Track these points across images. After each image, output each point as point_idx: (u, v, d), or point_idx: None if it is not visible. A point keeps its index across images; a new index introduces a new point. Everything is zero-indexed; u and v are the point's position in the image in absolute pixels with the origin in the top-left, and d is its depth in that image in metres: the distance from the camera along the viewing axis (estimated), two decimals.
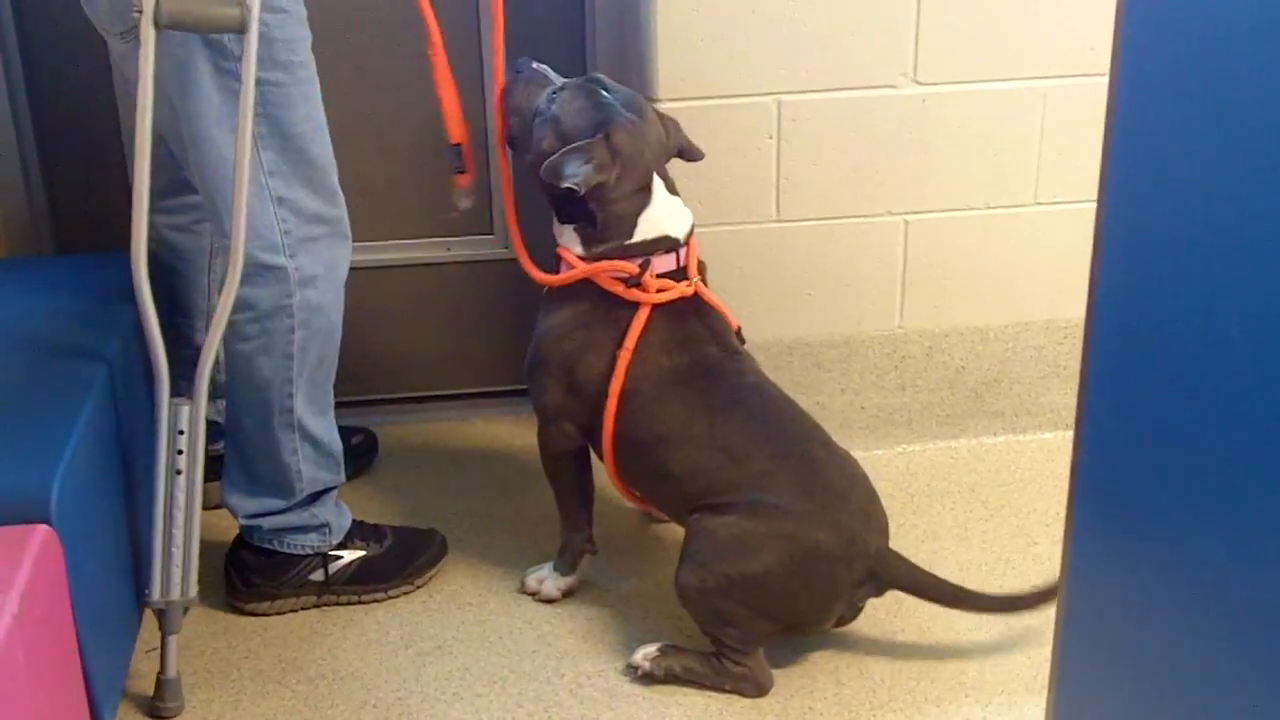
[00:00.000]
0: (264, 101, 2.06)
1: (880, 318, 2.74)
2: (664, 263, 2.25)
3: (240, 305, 2.15)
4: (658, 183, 2.25)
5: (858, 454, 2.27)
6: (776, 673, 2.19)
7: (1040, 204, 2.69)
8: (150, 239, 2.45)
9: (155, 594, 2.10)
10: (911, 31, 2.54)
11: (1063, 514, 2.51)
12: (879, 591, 2.18)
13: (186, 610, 2.14)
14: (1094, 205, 2.65)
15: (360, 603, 2.40)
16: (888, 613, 2.32)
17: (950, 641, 2.27)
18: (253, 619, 2.36)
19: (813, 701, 2.15)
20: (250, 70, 1.98)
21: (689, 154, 2.35)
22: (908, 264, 2.70)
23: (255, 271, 2.13)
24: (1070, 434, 2.73)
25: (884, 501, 2.24)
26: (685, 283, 2.26)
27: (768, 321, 2.70)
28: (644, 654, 2.20)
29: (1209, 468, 1.09)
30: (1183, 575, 1.13)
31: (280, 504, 2.32)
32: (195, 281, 2.49)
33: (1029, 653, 2.23)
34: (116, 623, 2.05)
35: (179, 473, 2.06)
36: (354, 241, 2.27)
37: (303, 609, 2.38)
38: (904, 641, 2.27)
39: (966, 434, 2.82)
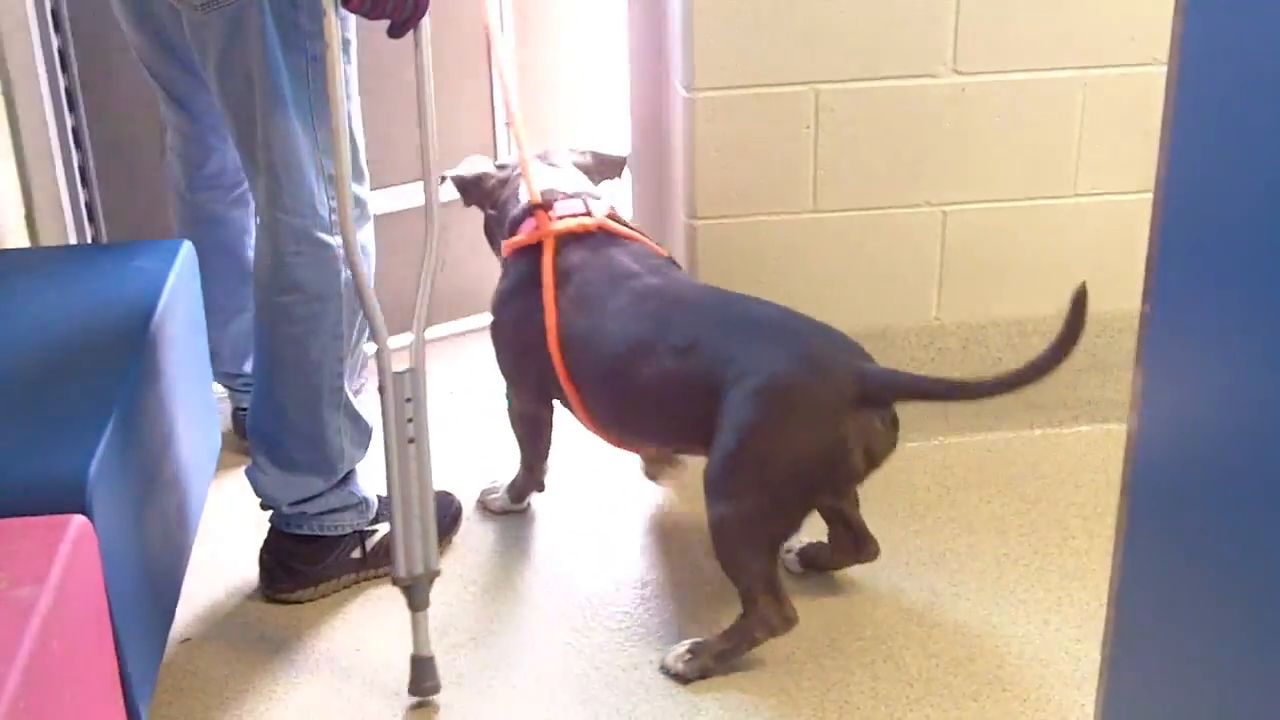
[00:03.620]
0: (321, 79, 2.05)
1: (917, 309, 2.71)
2: (570, 206, 2.37)
3: (289, 287, 2.16)
4: (527, 172, 2.40)
5: None
6: (810, 665, 2.18)
7: (1080, 195, 2.66)
8: (195, 218, 2.50)
9: (401, 570, 2.07)
10: (951, 20, 2.51)
11: (1101, 508, 2.52)
12: (885, 415, 2.13)
13: (432, 581, 2.11)
14: (1134, 197, 2.65)
15: None
16: (925, 606, 2.30)
17: (988, 636, 2.24)
18: (285, 612, 2.35)
19: (849, 695, 2.13)
20: (335, 33, 1.97)
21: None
22: (945, 255, 2.68)
23: (309, 249, 2.15)
24: (1108, 427, 2.74)
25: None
26: (588, 216, 2.35)
27: (803, 312, 2.67)
28: (675, 656, 2.19)
29: (1271, 461, 1.06)
30: (1242, 573, 1.11)
31: (321, 485, 2.31)
32: (242, 254, 2.52)
33: (1067, 647, 2.21)
34: (152, 613, 2.04)
35: (412, 441, 2.03)
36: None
37: (344, 589, 2.38)
38: (941, 636, 2.25)
39: (1004, 427, 2.79)
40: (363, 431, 2.35)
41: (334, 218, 2.16)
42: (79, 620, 1.66)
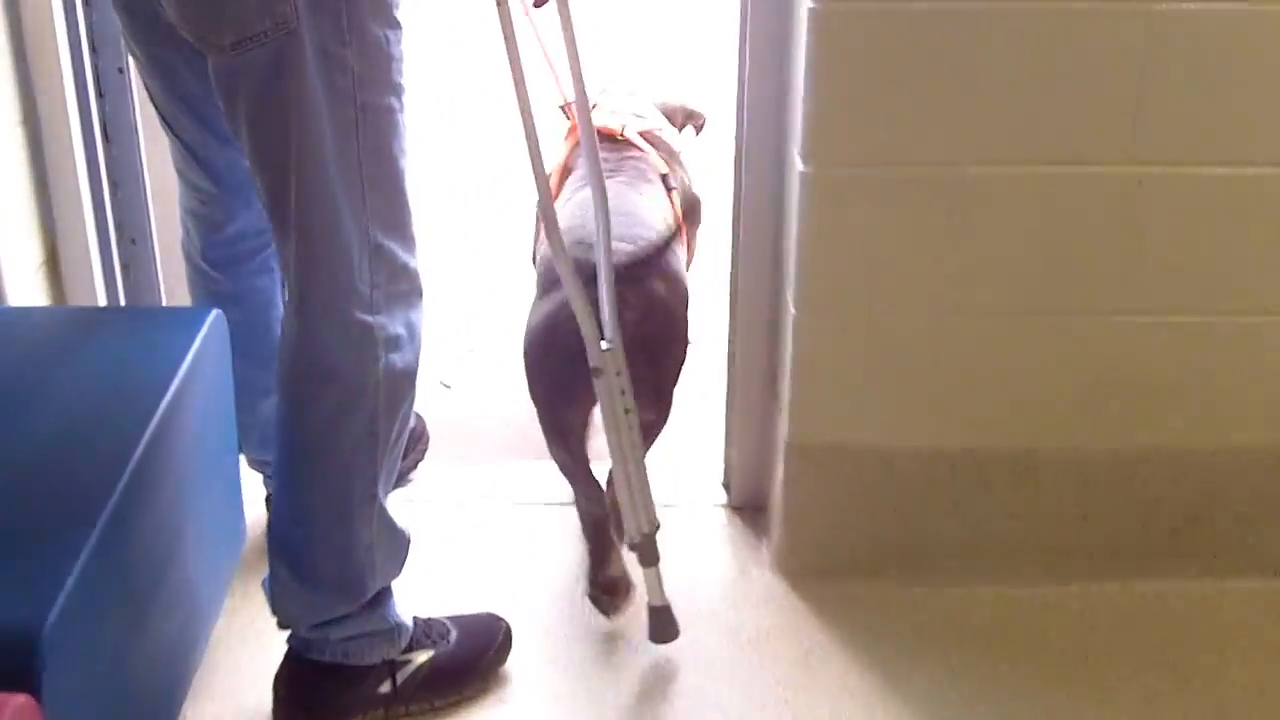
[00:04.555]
0: (376, 132, 1.81)
1: (1064, 433, 2.31)
2: (599, 116, 2.54)
3: (318, 372, 1.88)
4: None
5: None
6: None
7: (1270, 314, 2.25)
8: (212, 290, 2.19)
9: (634, 534, 2.16)
10: (1131, 100, 2.10)
11: (1267, 686, 2.11)
12: (629, 294, 2.15)
13: (655, 535, 2.18)
14: None
15: (433, 710, 2.09)
16: None
17: None
18: None
19: None
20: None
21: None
22: (1100, 372, 2.27)
23: (343, 330, 1.86)
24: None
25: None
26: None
27: (926, 429, 2.30)
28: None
29: None
30: None
31: (348, 606, 2.00)
32: (269, 327, 2.22)
33: None
34: None
35: (627, 411, 2.10)
36: None
37: None
38: None
39: (1156, 575, 2.36)
40: (399, 545, 2.03)
41: (375, 294, 1.86)
42: None
